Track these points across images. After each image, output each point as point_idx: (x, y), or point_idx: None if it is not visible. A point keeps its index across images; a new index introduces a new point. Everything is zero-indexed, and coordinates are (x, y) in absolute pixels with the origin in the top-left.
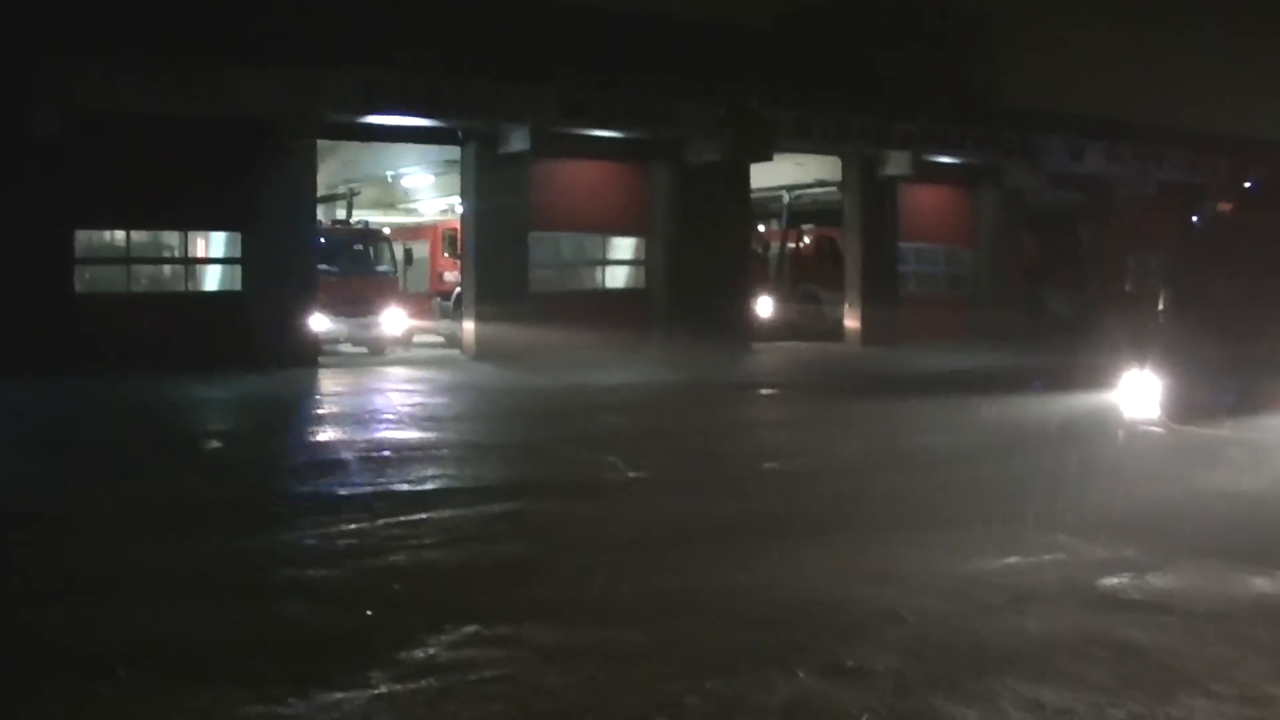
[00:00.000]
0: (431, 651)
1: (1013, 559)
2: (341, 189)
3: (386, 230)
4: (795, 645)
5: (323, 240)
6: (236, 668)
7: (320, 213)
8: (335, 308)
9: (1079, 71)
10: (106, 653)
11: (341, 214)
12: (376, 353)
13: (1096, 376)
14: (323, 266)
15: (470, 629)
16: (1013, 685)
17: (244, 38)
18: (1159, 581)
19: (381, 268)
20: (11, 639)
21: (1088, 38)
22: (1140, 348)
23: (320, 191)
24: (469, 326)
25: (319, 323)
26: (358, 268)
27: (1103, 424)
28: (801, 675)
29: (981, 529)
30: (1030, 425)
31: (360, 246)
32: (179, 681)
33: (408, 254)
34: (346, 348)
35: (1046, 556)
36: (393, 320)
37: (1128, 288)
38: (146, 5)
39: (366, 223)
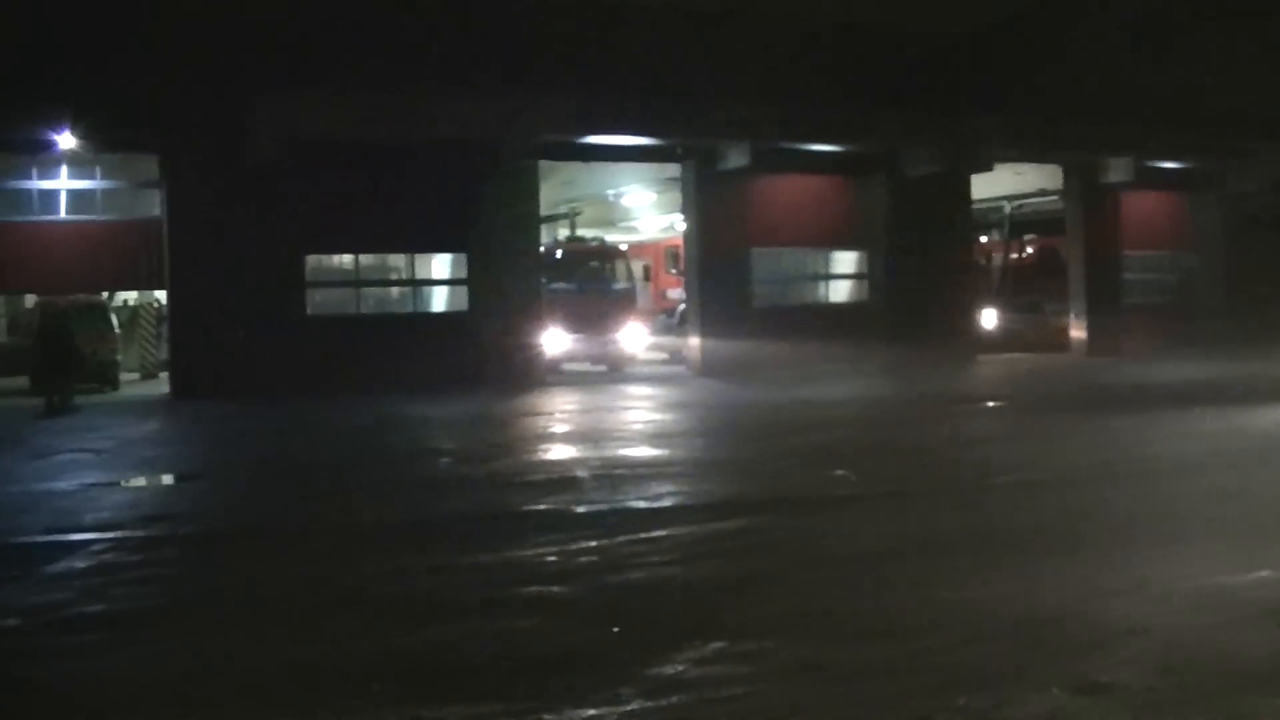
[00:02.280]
0: (679, 668)
1: (1263, 572)
2: (563, 209)
3: (624, 247)
4: (1042, 660)
5: (558, 256)
6: (485, 682)
7: (542, 233)
8: (572, 325)
9: None
10: (357, 666)
11: (563, 234)
12: (614, 370)
13: None
14: (559, 284)
15: (715, 645)
16: (1271, 701)
17: (460, 62)
18: None
19: (619, 285)
20: (266, 655)
21: None
22: None
23: (542, 211)
24: (693, 342)
25: (556, 340)
26: (595, 285)
27: None
28: (1054, 691)
29: (1226, 541)
30: (1266, 436)
31: (597, 263)
32: (429, 695)
33: (645, 271)
34: (583, 365)
35: None
36: (631, 337)
37: None
38: (365, 35)
39: (603, 239)
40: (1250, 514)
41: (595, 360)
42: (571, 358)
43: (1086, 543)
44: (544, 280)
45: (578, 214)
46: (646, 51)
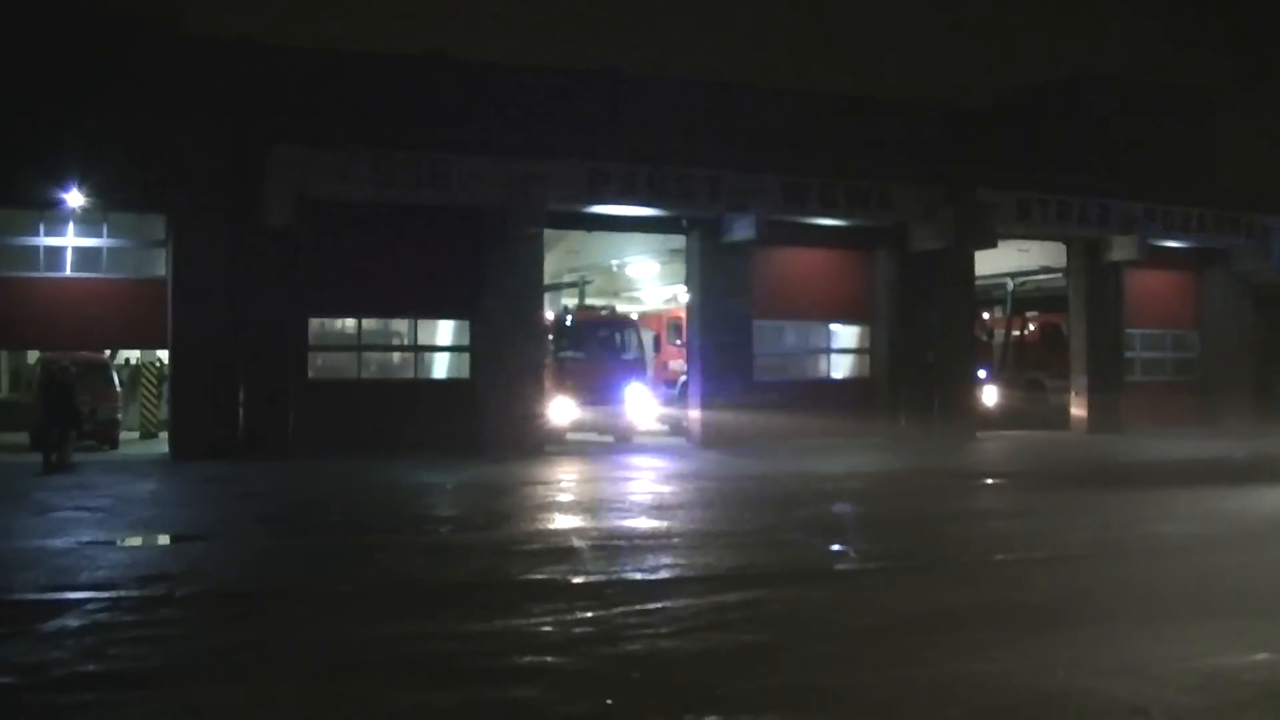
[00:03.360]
0: None
1: (1261, 654)
2: (567, 277)
3: (634, 316)
4: None
5: (569, 324)
6: None
7: (546, 301)
8: (581, 394)
9: None
10: None
11: (567, 302)
12: (622, 440)
13: None
14: (569, 353)
15: (710, 718)
16: None
17: (471, 129)
18: None
19: (629, 355)
20: (258, 718)
21: None
22: None
23: (546, 280)
24: (694, 414)
25: (564, 409)
26: (606, 354)
27: None
28: None
29: (1225, 622)
30: (1268, 517)
31: (607, 332)
32: None
33: (655, 341)
34: (589, 435)
35: None
36: (640, 408)
37: None
38: (376, 99)
39: (613, 308)
40: (1248, 595)
41: (603, 430)
42: (579, 427)
43: (1084, 620)
44: (554, 348)
45: (588, 282)
46: (656, 123)
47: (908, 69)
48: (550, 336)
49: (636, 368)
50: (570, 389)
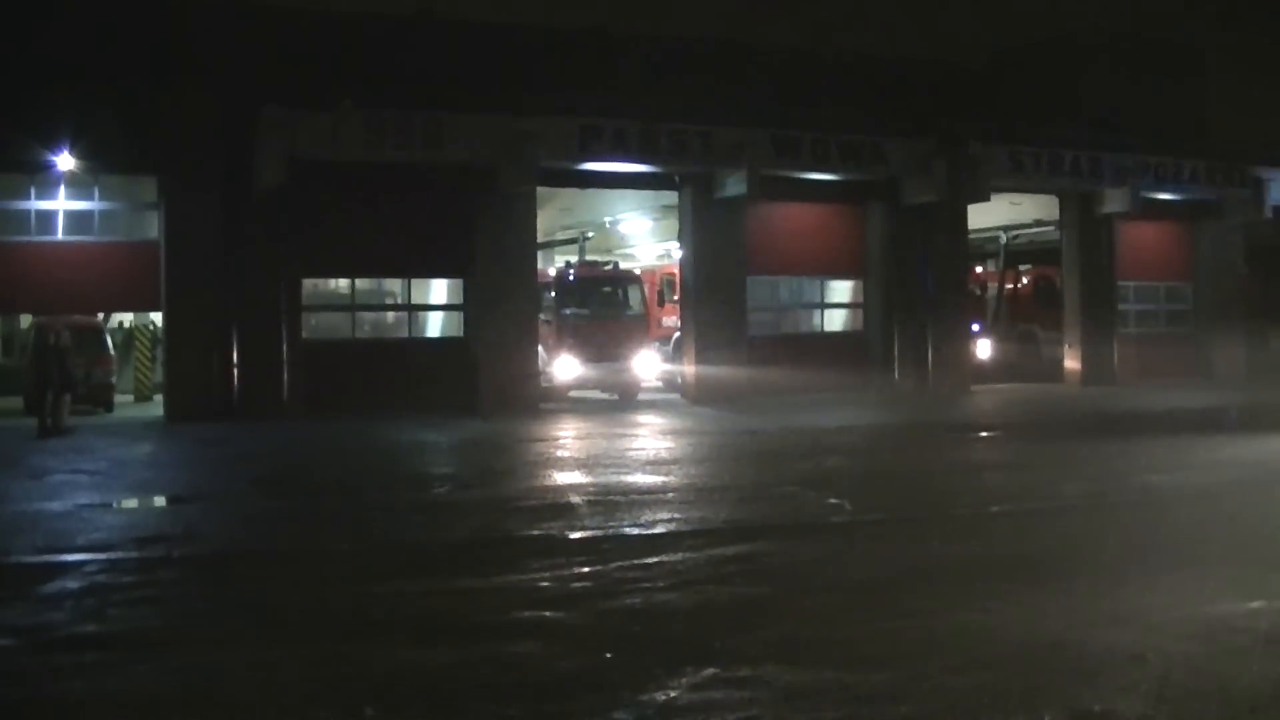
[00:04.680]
0: (673, 693)
1: (1257, 602)
2: (559, 235)
3: (637, 271)
4: (1038, 688)
5: (571, 280)
6: (480, 707)
7: (540, 258)
8: (585, 352)
9: None
10: (352, 689)
11: (569, 258)
12: (626, 398)
13: None
14: (572, 309)
15: (710, 670)
16: None
17: (462, 88)
18: None
19: (633, 311)
20: (262, 677)
21: None
22: None
23: (539, 238)
24: (688, 370)
25: (568, 367)
26: (609, 310)
27: None
28: (1048, 719)
29: (1221, 570)
30: (1262, 465)
31: (611, 288)
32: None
33: (660, 296)
34: (593, 393)
35: None
36: (645, 365)
37: None
38: (366, 59)
39: (617, 263)
40: (1243, 543)
41: (607, 388)
42: (582, 384)
43: (1080, 570)
44: (556, 305)
45: (588, 239)
46: (647, 79)
47: (901, 24)
48: (552, 293)
49: (640, 323)
50: (573, 345)
